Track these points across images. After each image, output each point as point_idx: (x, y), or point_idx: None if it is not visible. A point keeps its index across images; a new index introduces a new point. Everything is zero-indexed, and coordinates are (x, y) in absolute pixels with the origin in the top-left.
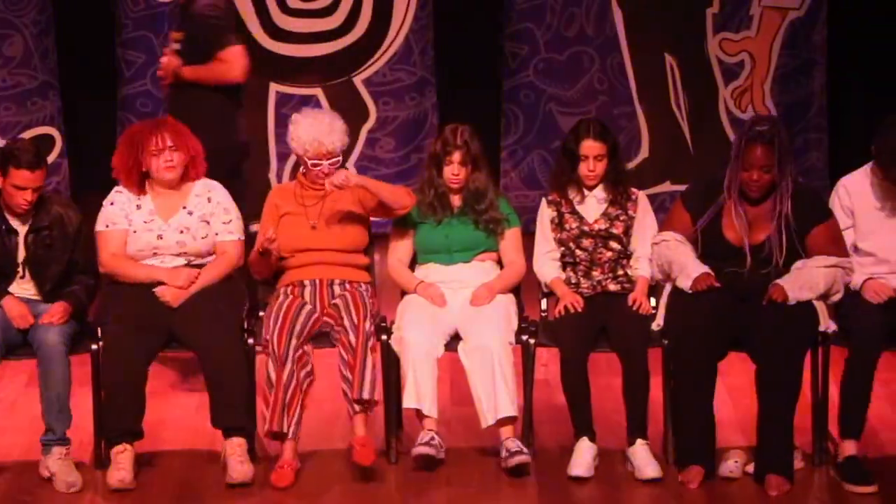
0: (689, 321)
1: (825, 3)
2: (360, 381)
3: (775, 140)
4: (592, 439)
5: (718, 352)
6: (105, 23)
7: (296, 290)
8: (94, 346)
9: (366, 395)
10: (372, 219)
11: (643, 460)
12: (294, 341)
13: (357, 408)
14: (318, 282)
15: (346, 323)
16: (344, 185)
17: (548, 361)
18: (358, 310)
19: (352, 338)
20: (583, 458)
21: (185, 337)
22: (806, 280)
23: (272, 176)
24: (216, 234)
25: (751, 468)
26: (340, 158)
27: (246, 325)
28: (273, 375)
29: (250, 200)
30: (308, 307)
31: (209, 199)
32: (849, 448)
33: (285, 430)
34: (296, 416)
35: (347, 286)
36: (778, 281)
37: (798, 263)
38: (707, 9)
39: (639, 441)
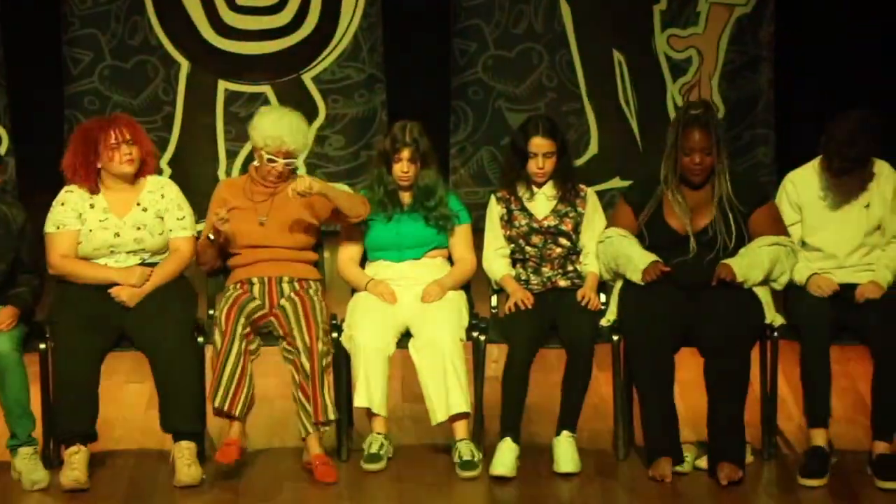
0: (644, 316)
1: None
2: (322, 404)
3: (711, 122)
4: (516, 440)
5: (673, 345)
6: (52, 21)
7: (245, 286)
8: (42, 346)
9: (323, 418)
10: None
11: (564, 454)
12: (243, 319)
13: (321, 429)
14: (267, 279)
15: (299, 343)
16: (307, 192)
17: (498, 358)
18: (309, 325)
19: (304, 362)
20: (506, 458)
21: (136, 337)
22: (751, 259)
23: (221, 173)
24: (170, 230)
25: (701, 463)
26: (296, 162)
27: (198, 325)
28: (221, 351)
29: (198, 199)
30: (257, 302)
31: (162, 196)
32: (818, 437)
33: (228, 409)
34: (242, 397)
35: (297, 284)
36: (725, 260)
37: (742, 248)
38: (654, 5)
39: (564, 433)
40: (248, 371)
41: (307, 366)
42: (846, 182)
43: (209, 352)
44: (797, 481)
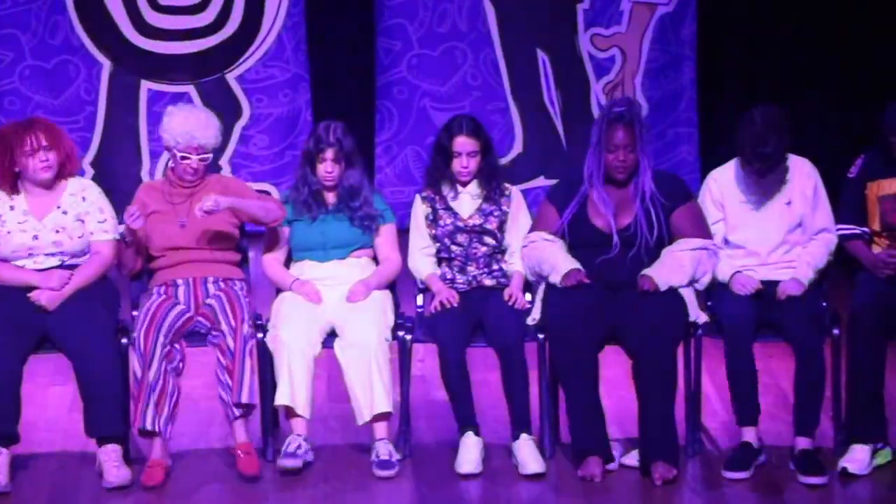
0: (567, 316)
1: None
2: (240, 385)
3: (634, 120)
4: (477, 433)
5: (597, 344)
6: None
7: (169, 290)
8: None
9: (244, 399)
10: None
11: (527, 456)
12: (161, 339)
13: (236, 412)
14: (191, 280)
15: (224, 327)
16: (213, 209)
17: (424, 357)
18: (235, 312)
19: (230, 341)
20: (470, 454)
21: (58, 340)
22: (673, 265)
23: (144, 174)
24: (91, 233)
25: (627, 460)
26: (210, 157)
27: (120, 327)
28: (139, 375)
29: (121, 200)
30: (180, 307)
31: (83, 198)
32: (748, 434)
33: (151, 427)
34: (164, 415)
35: (222, 284)
36: (646, 271)
37: (664, 250)
38: (578, 4)
39: (523, 436)
40: (167, 393)
41: (231, 344)
42: (765, 180)
43: (133, 353)
44: (721, 476)
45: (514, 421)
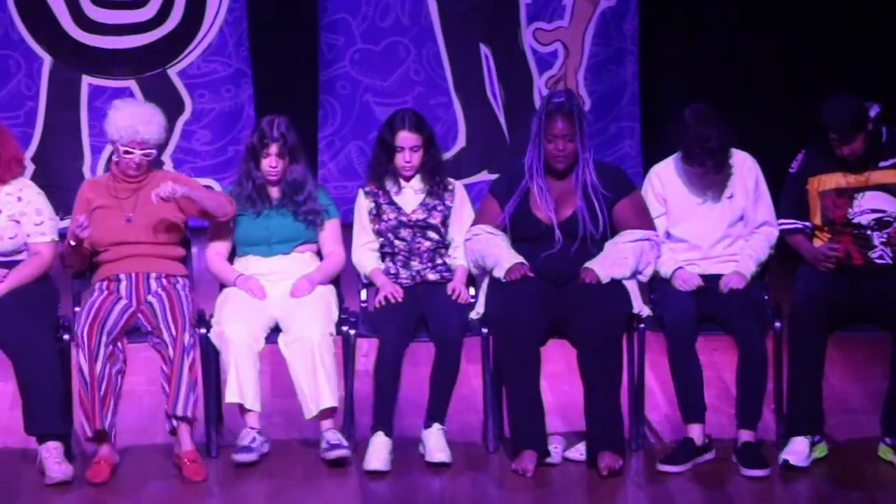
0: (510, 310)
1: None
2: (175, 396)
3: (574, 110)
4: (388, 434)
5: (540, 338)
6: None
7: (111, 284)
8: None
9: (179, 412)
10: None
11: (435, 444)
12: (105, 337)
13: (173, 422)
14: (133, 276)
15: (165, 335)
16: (170, 197)
17: (368, 352)
18: (176, 319)
19: (170, 352)
20: (379, 453)
21: None
22: (615, 257)
23: (86, 169)
24: (28, 234)
25: (570, 454)
26: (154, 152)
27: (61, 323)
28: (85, 371)
29: (62, 196)
30: (123, 302)
31: (19, 199)
32: (694, 431)
33: (101, 426)
34: (110, 412)
35: (164, 281)
36: (588, 264)
37: (607, 243)
38: None
39: (435, 425)
40: (112, 391)
41: (171, 355)
42: (708, 174)
43: (75, 351)
44: (659, 468)
45: (429, 410)
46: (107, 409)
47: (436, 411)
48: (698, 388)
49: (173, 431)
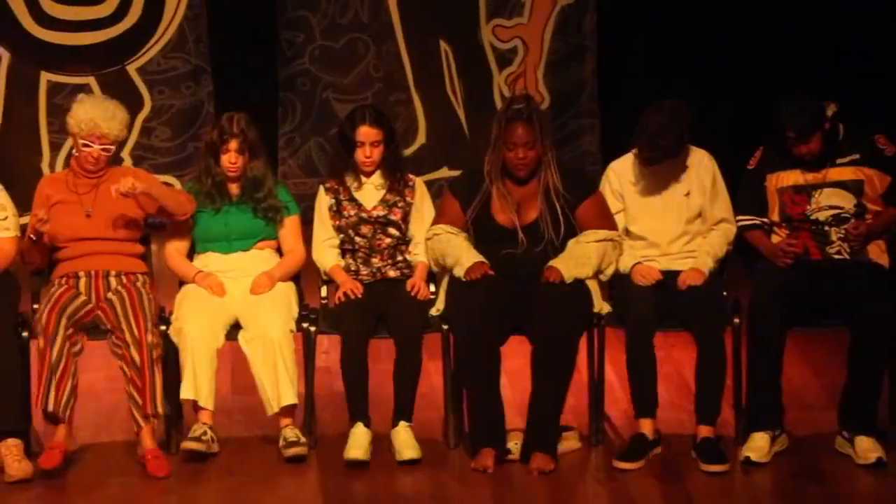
0: (470, 308)
1: None
2: (152, 397)
3: (534, 116)
4: (367, 425)
5: (500, 337)
6: None
7: (70, 280)
8: None
9: (158, 410)
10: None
11: (403, 442)
12: (64, 321)
13: (151, 421)
14: (93, 273)
15: (127, 337)
16: (130, 192)
17: (329, 349)
18: (137, 319)
19: (134, 354)
20: (359, 442)
21: None
22: (579, 257)
23: (44, 166)
24: None
25: None
26: (113, 148)
27: (21, 321)
28: (44, 353)
29: (20, 192)
30: (83, 297)
31: None
32: (645, 426)
33: (53, 409)
34: (65, 398)
35: (124, 279)
36: (552, 262)
37: (570, 242)
38: None
39: (402, 423)
40: (70, 372)
41: (137, 358)
42: (663, 171)
43: (35, 347)
44: (616, 464)
45: (396, 409)
46: (61, 395)
47: (401, 409)
48: (652, 384)
49: (145, 428)
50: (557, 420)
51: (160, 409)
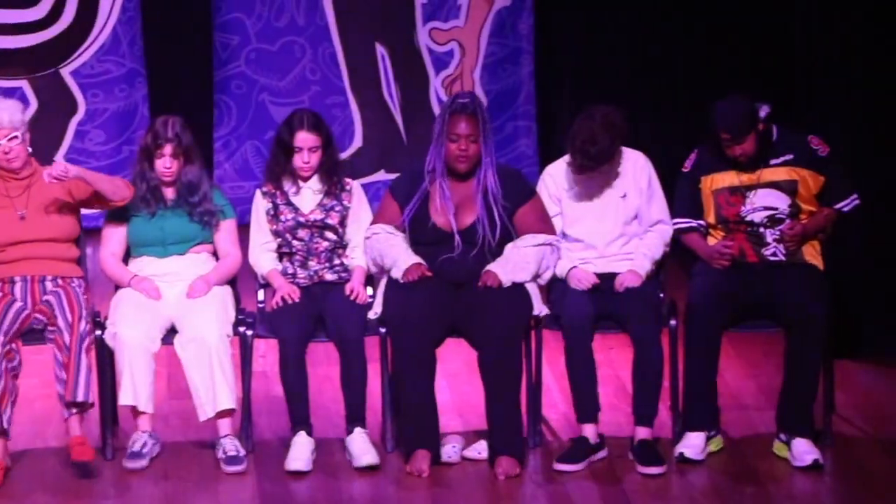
0: (406, 310)
1: None
2: (74, 382)
3: (478, 111)
4: (309, 433)
5: (436, 339)
6: None
7: (6, 286)
8: None
9: (80, 398)
10: (84, 212)
11: (360, 449)
12: (1, 338)
13: (73, 410)
14: (28, 278)
15: (61, 322)
16: (62, 176)
17: (265, 353)
18: (73, 308)
19: (66, 337)
20: (300, 452)
21: None
22: (517, 261)
23: None
24: None
25: (469, 452)
26: (18, 136)
27: None
28: None
29: None
30: (18, 304)
31: None
32: (588, 431)
33: None
34: (6, 414)
35: (60, 282)
36: (490, 266)
37: (508, 246)
38: None
39: (357, 430)
40: (8, 392)
41: (68, 341)
42: (600, 174)
43: None
44: (556, 467)
45: (348, 415)
46: (3, 408)
47: (354, 415)
48: (593, 388)
49: (74, 416)
50: (518, 422)
51: (80, 398)
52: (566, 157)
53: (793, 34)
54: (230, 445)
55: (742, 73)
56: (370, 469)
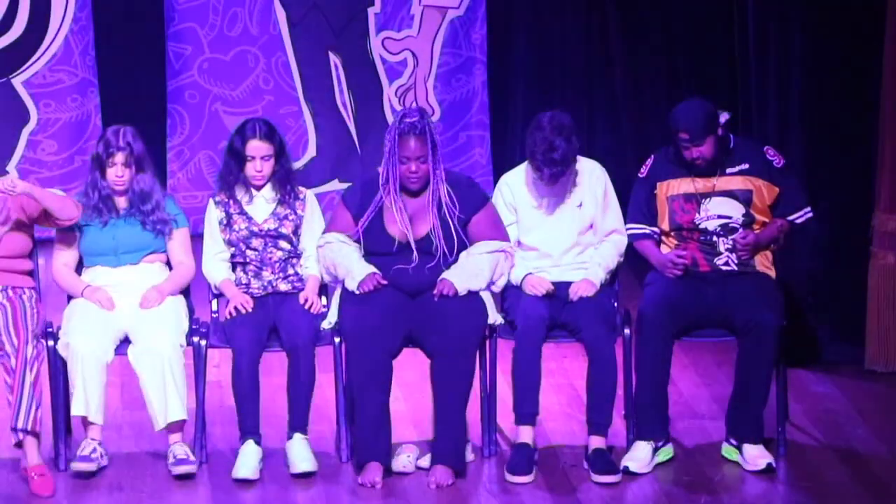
0: (363, 321)
1: (483, 2)
2: (17, 409)
3: (426, 130)
4: (258, 442)
5: (393, 350)
6: None
7: None
8: None
9: (20, 425)
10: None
11: (298, 455)
12: None
13: (20, 435)
14: None
15: (7, 347)
16: (10, 190)
17: (219, 363)
18: (18, 330)
19: (13, 361)
20: (248, 461)
21: None
22: (471, 269)
23: None
24: None
25: (423, 462)
26: None
27: None
28: None
29: None
30: None
31: None
32: (525, 434)
33: None
34: None
35: (10, 293)
36: (445, 274)
37: (462, 254)
38: (369, 8)
39: (297, 435)
40: None
41: (13, 365)
42: (544, 182)
43: None
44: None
45: (291, 421)
46: None
47: (297, 421)
48: (536, 392)
49: (19, 444)
50: (462, 432)
51: (20, 424)
52: (523, 166)
53: (745, 44)
54: (180, 450)
55: (699, 81)
56: (306, 476)
